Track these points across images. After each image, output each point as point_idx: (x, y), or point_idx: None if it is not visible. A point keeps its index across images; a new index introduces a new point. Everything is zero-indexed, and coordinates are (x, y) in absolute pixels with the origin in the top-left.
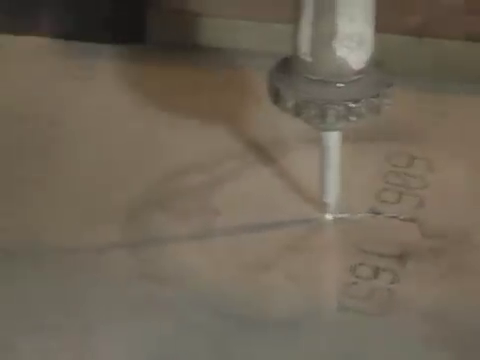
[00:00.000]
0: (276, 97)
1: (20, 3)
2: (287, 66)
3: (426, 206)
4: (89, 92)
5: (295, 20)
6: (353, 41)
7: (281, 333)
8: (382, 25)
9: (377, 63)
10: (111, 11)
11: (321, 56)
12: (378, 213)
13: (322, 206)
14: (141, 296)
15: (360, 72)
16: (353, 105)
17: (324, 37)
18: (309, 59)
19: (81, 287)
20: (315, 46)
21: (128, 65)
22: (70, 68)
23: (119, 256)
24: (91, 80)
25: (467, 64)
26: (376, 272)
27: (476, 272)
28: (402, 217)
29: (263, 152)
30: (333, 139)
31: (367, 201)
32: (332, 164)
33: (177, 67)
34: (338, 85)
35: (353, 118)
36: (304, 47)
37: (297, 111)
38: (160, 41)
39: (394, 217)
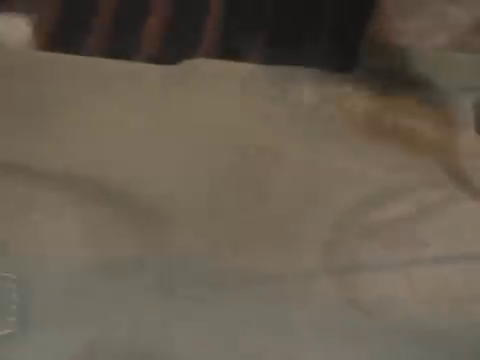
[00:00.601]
0: None
1: (232, 29)
2: None
3: None
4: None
5: None
6: None
7: None
8: None
9: None
10: (323, 37)
11: None
12: None
13: None
14: (347, 325)
15: None
16: None
17: None
18: None
19: (286, 314)
20: None
21: (336, 92)
22: (279, 93)
23: (323, 283)
24: (297, 105)
25: None
26: None
27: None
28: None
29: (468, 184)
30: None
31: None
32: None
33: (385, 96)
34: None
35: None
36: None
37: None
38: (370, 70)
39: None
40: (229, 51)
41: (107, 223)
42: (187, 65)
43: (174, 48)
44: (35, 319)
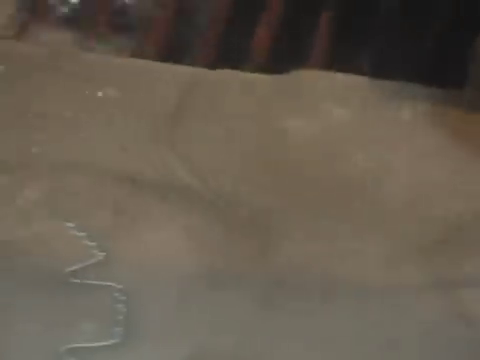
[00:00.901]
0: None
1: (341, 40)
2: None
3: None
4: (403, 134)
5: None
6: None
7: None
8: None
9: None
10: (431, 53)
11: None
12: None
13: None
14: (458, 340)
15: None
16: None
17: None
18: None
19: (394, 328)
20: None
21: (445, 109)
22: (384, 109)
23: (431, 297)
24: (406, 122)
25: None
26: None
27: None
28: None
29: None
30: None
31: None
32: None
33: None
34: None
35: None
36: None
37: None
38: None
39: None
40: (337, 64)
41: (212, 233)
42: (295, 75)
43: (282, 59)
44: (142, 329)
